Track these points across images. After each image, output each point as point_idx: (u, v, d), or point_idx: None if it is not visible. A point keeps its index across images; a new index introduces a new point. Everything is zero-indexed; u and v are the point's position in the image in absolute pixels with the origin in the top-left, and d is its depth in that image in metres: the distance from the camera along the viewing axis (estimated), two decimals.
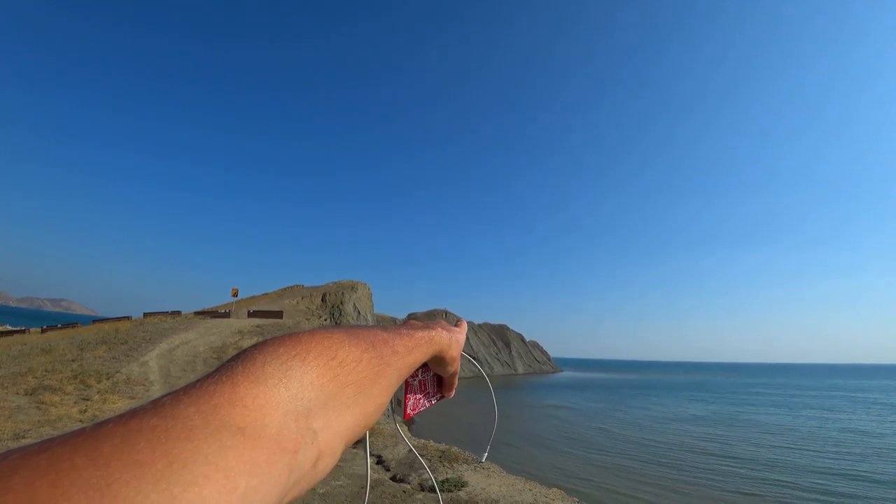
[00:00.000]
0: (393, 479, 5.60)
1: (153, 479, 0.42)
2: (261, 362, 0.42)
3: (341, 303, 58.42)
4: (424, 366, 0.41)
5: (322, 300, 58.43)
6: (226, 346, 22.21)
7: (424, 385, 0.41)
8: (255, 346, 0.42)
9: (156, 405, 0.42)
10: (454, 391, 0.43)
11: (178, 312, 41.33)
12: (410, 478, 5.54)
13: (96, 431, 0.42)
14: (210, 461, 0.42)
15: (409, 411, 0.41)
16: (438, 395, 0.42)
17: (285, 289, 66.27)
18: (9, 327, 58.59)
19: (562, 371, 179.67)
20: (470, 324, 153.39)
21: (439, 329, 0.41)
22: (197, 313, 43.59)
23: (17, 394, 11.10)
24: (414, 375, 0.41)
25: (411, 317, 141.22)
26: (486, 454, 0.62)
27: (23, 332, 37.39)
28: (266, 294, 64.86)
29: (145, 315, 38.99)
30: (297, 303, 54.82)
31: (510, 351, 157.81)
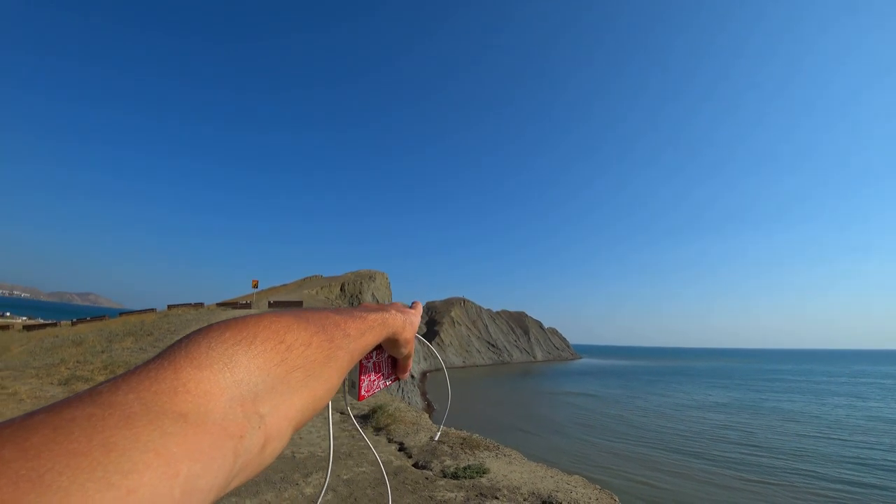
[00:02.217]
0: (415, 465, 5.66)
1: (89, 468, 0.41)
2: (205, 347, 0.41)
3: (360, 292, 58.91)
4: (379, 347, 0.41)
5: (341, 289, 58.98)
6: None
7: (379, 367, 0.41)
8: (199, 331, 0.41)
9: (92, 393, 0.41)
10: (408, 373, 0.43)
11: (201, 304, 42.15)
12: (432, 464, 5.59)
13: (27, 422, 0.41)
14: (150, 448, 0.41)
15: (363, 393, 0.41)
16: (393, 377, 0.42)
17: (304, 279, 67.08)
18: (41, 320, 60.58)
19: (581, 358, 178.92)
20: (488, 311, 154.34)
21: (393, 311, 0.41)
22: (219, 305, 44.48)
23: (52, 384, 11.49)
24: (368, 357, 0.41)
25: (429, 305, 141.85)
26: (438, 434, 0.62)
27: (54, 325, 38.44)
28: (285, 285, 65.75)
29: (169, 307, 39.80)
30: (317, 293, 55.45)
31: (529, 338, 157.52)
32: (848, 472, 24.14)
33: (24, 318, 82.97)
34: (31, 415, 0.41)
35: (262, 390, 0.41)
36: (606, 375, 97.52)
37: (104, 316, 40.00)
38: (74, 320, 38.07)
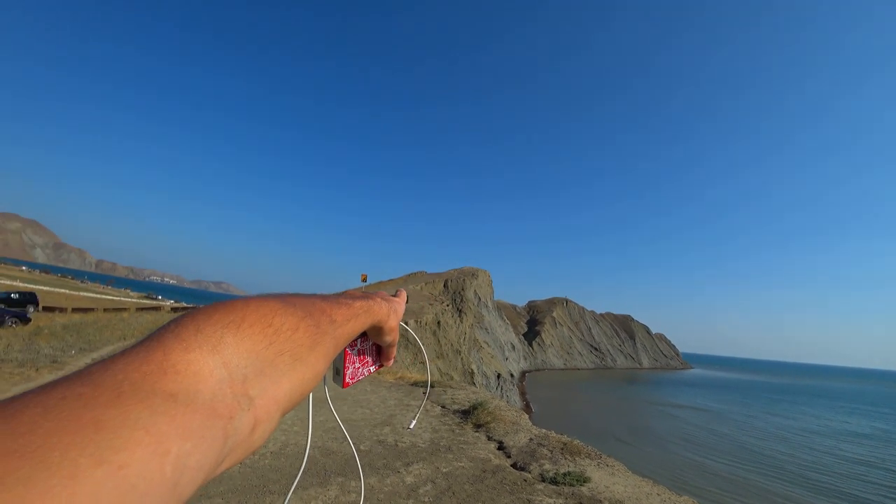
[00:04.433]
0: (514, 466, 5.58)
1: (81, 445, 0.41)
2: (193, 329, 0.41)
3: (462, 289, 59.68)
4: (364, 335, 0.42)
5: (444, 286, 60.20)
6: None
7: (364, 354, 0.42)
8: (188, 314, 0.42)
9: (82, 374, 0.41)
10: (392, 360, 0.43)
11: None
12: (531, 467, 5.47)
13: (17, 401, 0.41)
14: (140, 426, 0.41)
15: (348, 380, 0.42)
16: (377, 365, 0.43)
17: (410, 275, 69.42)
18: (184, 304, 70.47)
19: (692, 368, 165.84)
20: (592, 312, 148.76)
21: (378, 299, 0.42)
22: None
23: None
24: (353, 344, 0.42)
25: (530, 304, 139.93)
26: (413, 422, 0.61)
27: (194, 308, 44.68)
28: (392, 280, 68.50)
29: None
30: (421, 288, 57.12)
31: (634, 343, 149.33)
32: None
33: (172, 301, 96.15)
34: (21, 395, 0.41)
35: (250, 373, 0.41)
36: (720, 389, 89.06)
37: None
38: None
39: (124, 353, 0.41)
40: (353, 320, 0.42)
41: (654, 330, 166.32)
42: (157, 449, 0.41)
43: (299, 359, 0.42)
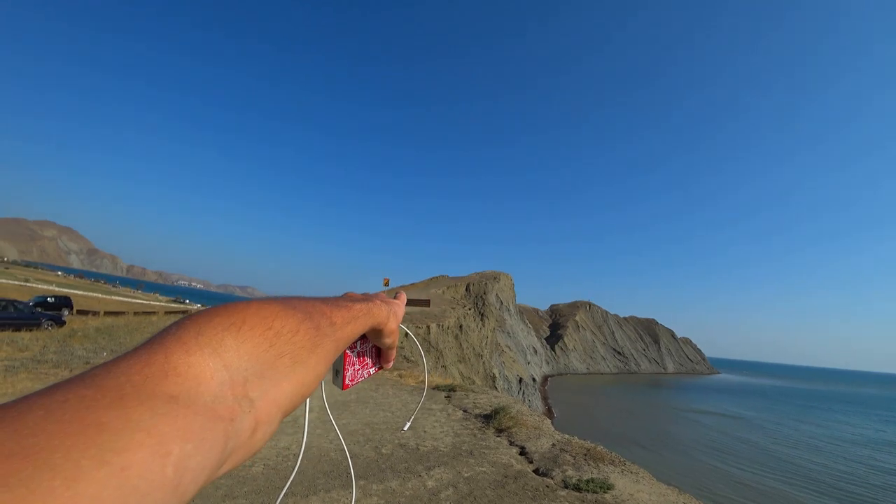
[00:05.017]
0: (536, 471, 5.51)
1: (83, 447, 0.41)
2: (195, 332, 0.42)
3: (484, 293, 59.56)
4: (363, 337, 0.42)
5: (466, 290, 60.20)
6: None
7: (363, 356, 0.42)
8: (188, 317, 0.42)
9: (84, 376, 0.42)
10: (392, 363, 0.43)
11: None
12: (554, 473, 5.40)
13: (20, 404, 0.41)
14: (142, 428, 0.42)
15: (347, 382, 0.42)
16: (377, 367, 0.43)
17: (431, 279, 69.63)
18: None
19: (718, 373, 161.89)
20: (615, 316, 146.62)
21: (378, 302, 0.42)
22: None
23: None
24: (353, 347, 0.42)
25: (553, 308, 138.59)
26: (408, 424, 0.63)
27: None
28: (414, 284, 68.80)
29: None
30: (443, 292, 57.21)
31: (659, 347, 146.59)
32: None
33: (199, 304, 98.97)
34: (24, 397, 0.41)
35: (251, 375, 0.42)
36: (749, 395, 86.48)
37: None
38: None
39: (126, 355, 0.42)
40: (352, 323, 0.42)
41: (679, 334, 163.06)
42: (158, 450, 0.42)
43: (300, 361, 0.42)
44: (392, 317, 0.42)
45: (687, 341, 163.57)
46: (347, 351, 0.42)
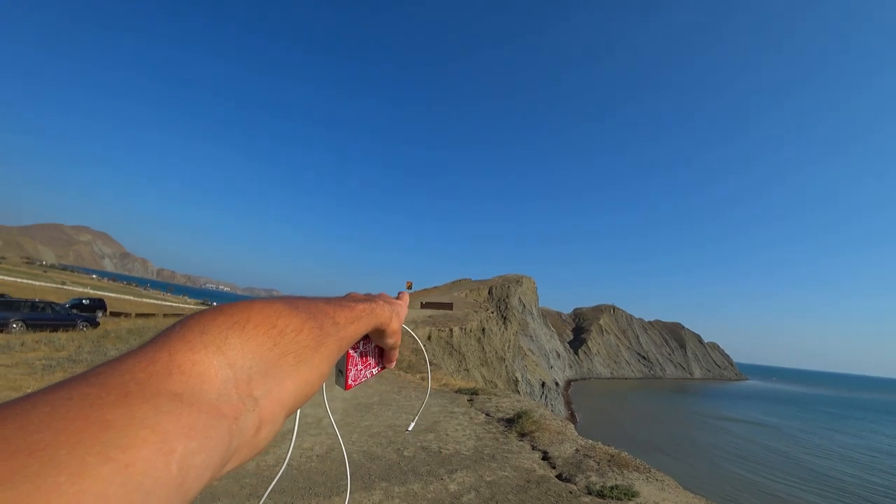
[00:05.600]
0: (559, 477, 5.45)
1: (88, 444, 0.42)
2: (198, 331, 0.42)
3: (507, 296, 59.29)
4: (366, 337, 0.42)
5: (489, 293, 59.99)
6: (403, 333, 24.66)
7: (366, 356, 0.42)
8: (192, 316, 0.42)
9: (89, 374, 0.42)
10: (395, 363, 0.43)
11: None
12: (577, 479, 5.33)
13: (25, 402, 0.42)
14: (146, 425, 0.42)
15: (350, 382, 0.42)
16: (380, 367, 0.43)
17: (454, 282, 69.66)
18: None
19: (747, 379, 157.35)
20: (640, 320, 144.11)
21: (381, 302, 0.42)
22: None
23: None
24: (356, 347, 0.42)
25: (576, 312, 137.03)
26: (412, 424, 0.63)
27: None
28: (437, 287, 68.97)
29: None
30: (466, 295, 57.13)
31: (685, 352, 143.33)
32: None
33: None
34: (30, 395, 0.42)
35: (255, 373, 0.42)
36: (778, 403, 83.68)
37: None
38: None
39: (131, 353, 0.42)
40: (355, 322, 0.42)
41: (706, 339, 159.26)
42: (162, 447, 0.42)
43: (303, 360, 0.42)
44: (395, 317, 0.42)
45: (714, 346, 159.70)
46: (350, 351, 0.42)
